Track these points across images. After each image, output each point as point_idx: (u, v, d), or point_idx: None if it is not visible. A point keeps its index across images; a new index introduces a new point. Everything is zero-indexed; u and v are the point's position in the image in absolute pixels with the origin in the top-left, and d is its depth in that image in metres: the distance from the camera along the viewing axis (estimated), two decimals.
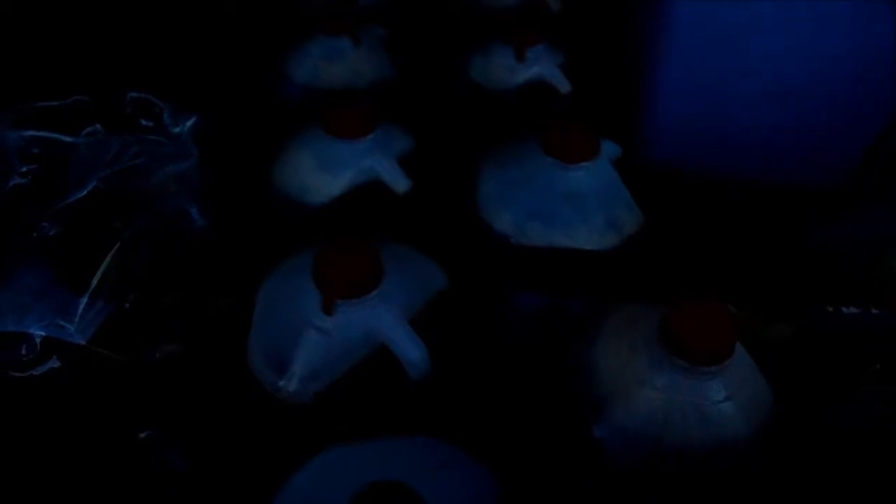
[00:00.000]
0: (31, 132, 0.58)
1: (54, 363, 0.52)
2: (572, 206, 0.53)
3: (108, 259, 0.54)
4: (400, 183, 0.55)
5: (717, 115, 0.66)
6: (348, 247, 0.45)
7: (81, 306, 0.53)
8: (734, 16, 0.61)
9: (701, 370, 0.41)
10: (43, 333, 0.52)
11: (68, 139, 0.58)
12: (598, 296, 0.53)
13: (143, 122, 0.62)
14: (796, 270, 0.55)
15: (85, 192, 0.54)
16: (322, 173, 0.56)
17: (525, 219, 0.54)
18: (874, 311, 0.50)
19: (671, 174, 0.67)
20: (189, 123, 0.58)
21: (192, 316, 0.54)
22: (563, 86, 0.67)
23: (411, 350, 0.44)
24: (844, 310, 0.50)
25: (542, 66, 0.67)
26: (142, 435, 0.50)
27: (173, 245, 0.56)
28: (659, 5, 0.64)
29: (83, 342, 0.53)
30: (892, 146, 0.65)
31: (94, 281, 0.54)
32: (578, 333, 0.48)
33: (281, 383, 0.45)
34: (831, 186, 0.66)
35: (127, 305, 0.54)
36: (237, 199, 0.59)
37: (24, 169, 0.56)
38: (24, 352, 0.52)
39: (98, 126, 0.60)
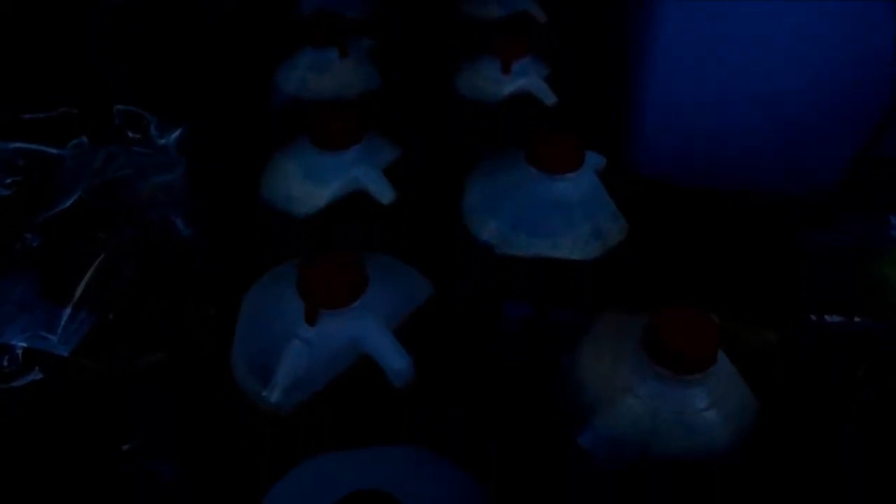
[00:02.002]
0: (16, 144, 0.58)
1: (36, 375, 0.52)
2: (557, 216, 0.54)
3: (91, 270, 0.54)
4: (385, 194, 0.55)
5: (703, 124, 0.66)
6: (332, 257, 0.45)
7: (64, 318, 0.53)
8: (720, 25, 0.61)
9: (684, 378, 0.41)
10: (25, 345, 0.52)
11: (54, 151, 0.58)
12: (583, 305, 0.53)
13: (131, 135, 0.62)
14: (782, 278, 0.55)
15: (70, 204, 0.53)
16: (308, 184, 0.56)
17: (510, 229, 0.54)
18: (857, 319, 0.50)
19: (657, 184, 0.67)
20: (175, 135, 0.58)
21: (177, 326, 0.54)
22: (549, 98, 0.67)
23: (395, 359, 0.44)
24: (828, 318, 0.50)
25: (527, 79, 0.68)
26: (125, 447, 0.50)
27: (158, 255, 0.56)
28: (645, 15, 0.64)
29: (66, 354, 0.52)
30: (878, 153, 0.65)
31: (78, 292, 0.53)
32: (563, 342, 0.48)
33: (264, 393, 0.44)
34: (818, 194, 0.66)
35: (111, 316, 0.53)
36: (224, 210, 0.59)
37: (9, 181, 0.56)
38: (5, 363, 0.51)
39: (84, 139, 0.60)
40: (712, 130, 0.67)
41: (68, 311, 0.53)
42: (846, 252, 0.54)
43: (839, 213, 0.61)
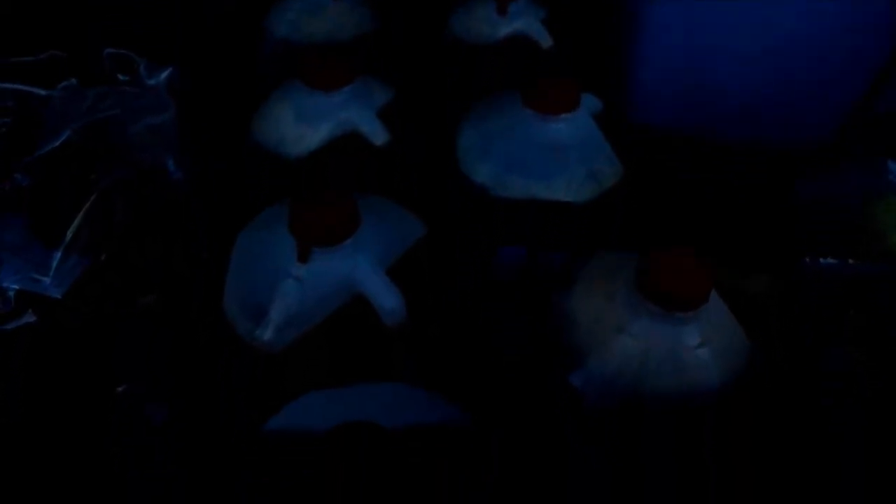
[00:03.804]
0: (4, 85, 0.57)
1: (29, 317, 0.52)
2: (552, 158, 0.53)
3: (83, 212, 0.53)
4: (378, 135, 0.55)
5: (700, 72, 0.65)
6: (324, 195, 0.45)
7: (56, 260, 0.53)
8: None
9: (676, 316, 0.41)
10: (17, 287, 0.52)
11: (43, 92, 0.57)
12: (577, 247, 0.53)
13: (120, 77, 0.61)
14: (776, 224, 0.55)
15: (58, 143, 0.53)
16: (300, 125, 0.55)
17: (504, 171, 0.53)
18: (850, 261, 0.50)
19: (653, 131, 0.66)
20: (164, 75, 0.57)
21: (168, 268, 0.54)
22: (545, 40, 0.66)
23: (387, 298, 0.44)
24: (822, 261, 0.50)
25: (523, 21, 0.66)
26: (119, 389, 0.50)
27: (149, 197, 0.55)
28: None
29: (59, 296, 0.52)
30: (875, 106, 0.64)
31: (70, 234, 0.53)
32: (557, 283, 0.48)
33: (257, 332, 0.44)
34: (815, 146, 0.66)
35: (103, 258, 0.53)
36: (215, 152, 0.58)
37: None
38: None
39: (74, 80, 0.59)
40: (709, 78, 0.66)
41: (60, 253, 0.53)
42: (843, 198, 0.53)
43: (835, 163, 0.60)
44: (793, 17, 0.62)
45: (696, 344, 0.41)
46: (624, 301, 0.43)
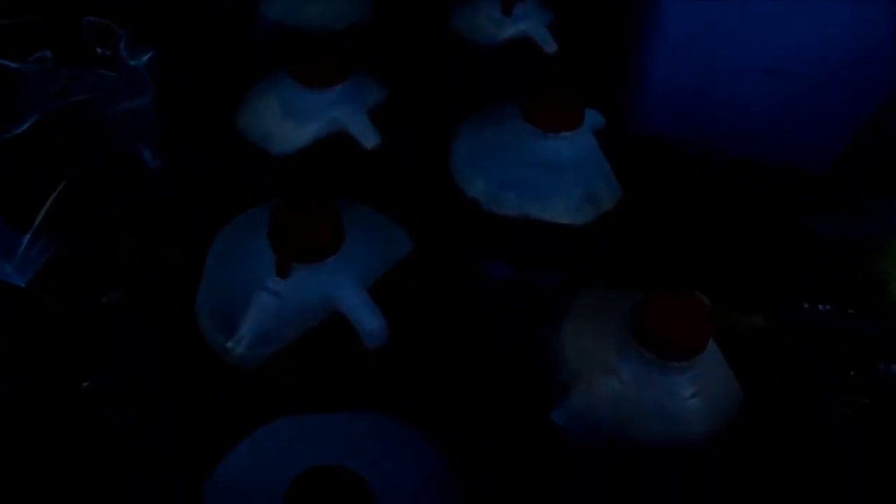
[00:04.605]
0: None
1: None
2: (549, 176, 0.51)
3: (52, 197, 0.50)
4: (369, 137, 0.52)
5: (707, 87, 0.64)
6: (307, 206, 0.42)
7: (23, 245, 0.50)
8: None
9: (670, 364, 0.39)
10: None
11: (14, 65, 0.54)
12: (569, 272, 0.51)
13: (99, 51, 0.58)
14: (778, 260, 0.53)
15: (27, 126, 0.50)
16: (287, 121, 0.52)
17: (499, 186, 0.51)
18: (850, 311, 0.48)
19: (656, 144, 0.64)
20: (146, 57, 0.54)
21: (140, 262, 0.51)
22: (550, 45, 0.64)
23: (368, 319, 0.42)
24: (821, 307, 0.48)
25: (528, 23, 0.64)
26: (84, 384, 0.48)
27: (124, 186, 0.52)
28: None
29: (22, 284, 0.50)
30: (880, 131, 0.63)
31: (38, 219, 0.50)
32: (547, 311, 0.46)
33: (228, 345, 0.42)
34: (819, 168, 0.64)
35: (71, 248, 0.50)
36: (196, 142, 0.56)
37: None
38: None
39: (48, 52, 0.56)
40: (716, 92, 0.65)
41: (27, 238, 0.50)
42: (847, 240, 0.52)
43: (841, 193, 0.59)
44: (804, 34, 0.60)
45: (689, 394, 0.39)
46: (616, 343, 0.41)
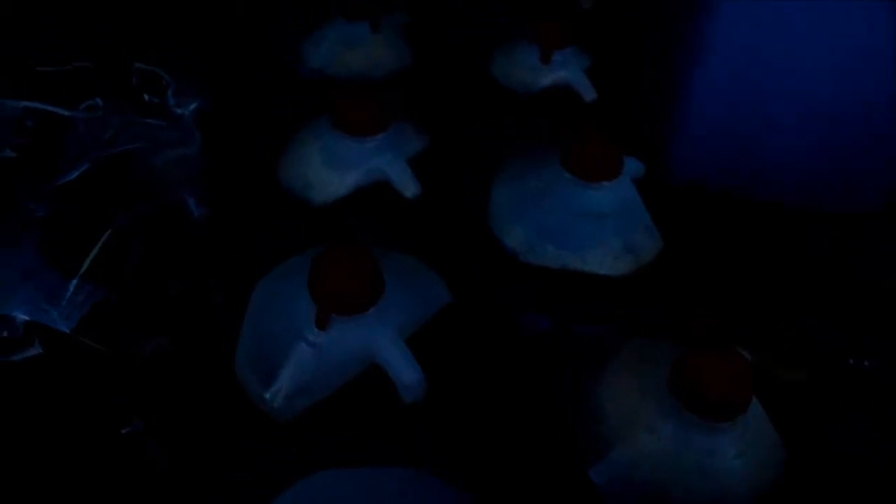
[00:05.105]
0: (27, 103, 0.56)
1: (36, 349, 0.50)
2: (589, 226, 0.51)
3: (98, 246, 0.51)
4: (409, 187, 0.53)
5: (748, 132, 0.63)
6: (347, 258, 0.42)
7: (69, 292, 0.51)
8: (774, 30, 0.58)
9: (712, 425, 0.38)
10: (26, 317, 0.50)
11: (66, 113, 0.56)
12: (609, 324, 0.51)
13: (147, 98, 0.59)
14: (822, 311, 0.52)
15: (77, 174, 0.51)
16: (328, 170, 0.53)
17: (537, 236, 0.51)
18: None
19: (696, 190, 0.64)
20: (193, 107, 0.55)
21: (185, 310, 0.52)
22: (589, 93, 0.64)
23: (406, 373, 0.42)
24: (867, 363, 0.47)
25: (567, 71, 0.64)
26: (124, 430, 0.48)
27: (169, 234, 0.53)
28: (697, 14, 0.60)
29: (67, 329, 0.51)
30: None
31: (84, 266, 0.51)
32: (585, 364, 0.45)
33: (267, 396, 0.42)
34: (869, 210, 0.63)
35: (116, 295, 0.51)
36: (239, 190, 0.56)
37: (17, 142, 0.53)
38: (5, 334, 0.49)
39: (98, 100, 0.57)
40: (757, 137, 0.63)
41: (73, 285, 0.51)
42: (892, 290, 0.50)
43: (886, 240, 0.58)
44: (847, 80, 0.59)
45: (732, 455, 0.39)
46: (656, 400, 0.40)
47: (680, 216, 0.56)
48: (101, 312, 0.51)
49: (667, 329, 0.48)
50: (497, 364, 0.49)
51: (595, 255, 0.50)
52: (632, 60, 0.70)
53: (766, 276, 0.55)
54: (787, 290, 0.54)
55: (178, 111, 0.56)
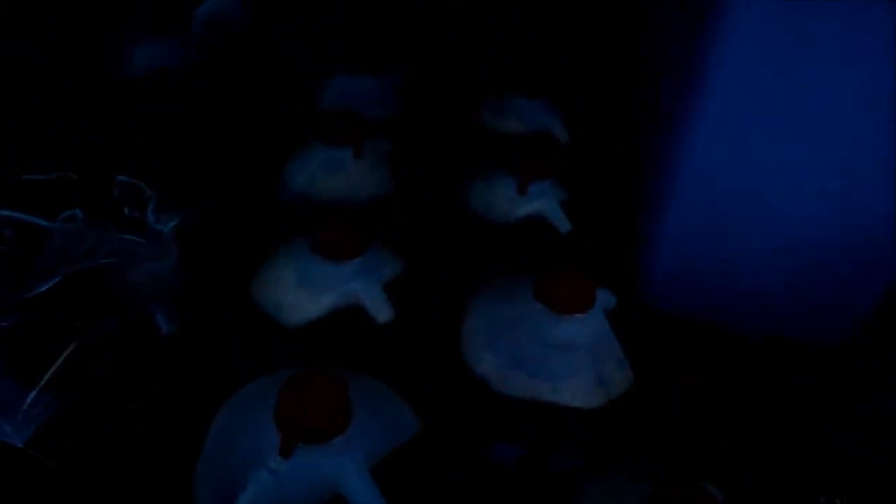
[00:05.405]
0: (6, 212, 0.56)
1: None
2: (560, 357, 0.51)
3: (62, 358, 0.50)
4: (382, 313, 0.53)
5: (721, 262, 0.64)
6: (314, 385, 0.42)
7: (26, 404, 0.50)
8: (747, 161, 0.59)
9: None
10: None
11: (44, 223, 0.56)
12: (581, 455, 0.50)
13: (128, 211, 0.60)
14: (801, 454, 0.51)
15: (48, 286, 0.50)
16: (302, 292, 0.53)
17: (508, 366, 0.51)
18: None
19: (670, 320, 0.64)
20: (172, 224, 0.56)
21: (144, 429, 0.50)
22: (563, 225, 0.65)
23: None
24: (838, 501, 0.46)
25: (543, 202, 0.66)
26: None
27: (136, 349, 0.52)
28: (668, 143, 0.63)
29: (20, 444, 0.49)
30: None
31: (45, 379, 0.50)
32: (556, 497, 0.44)
33: None
34: (839, 342, 0.63)
35: (74, 409, 0.50)
36: (212, 308, 0.56)
37: None
38: None
39: (77, 211, 0.58)
40: (731, 270, 0.64)
41: (31, 396, 0.50)
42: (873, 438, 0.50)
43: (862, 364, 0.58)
44: (814, 215, 0.60)
45: None
46: None
47: (654, 347, 0.57)
48: (58, 426, 0.49)
49: (639, 463, 0.47)
50: (466, 495, 0.48)
51: (567, 386, 0.50)
52: (606, 194, 0.72)
53: (739, 410, 0.55)
54: (759, 426, 0.54)
55: (158, 227, 0.56)
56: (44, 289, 0.51)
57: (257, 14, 0.90)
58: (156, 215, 0.58)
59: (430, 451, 0.47)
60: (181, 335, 0.53)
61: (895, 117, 0.53)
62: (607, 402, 0.51)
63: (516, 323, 0.52)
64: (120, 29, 0.79)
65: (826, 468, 0.49)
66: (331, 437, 0.41)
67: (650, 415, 0.52)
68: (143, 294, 0.53)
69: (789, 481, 0.49)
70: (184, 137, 0.73)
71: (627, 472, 0.46)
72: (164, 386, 0.51)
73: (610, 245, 0.69)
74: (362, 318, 0.53)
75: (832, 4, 0.50)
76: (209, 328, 0.54)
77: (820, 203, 0.59)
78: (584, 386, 0.50)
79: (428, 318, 0.56)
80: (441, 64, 0.91)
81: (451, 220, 0.67)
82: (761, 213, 0.61)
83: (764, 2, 0.51)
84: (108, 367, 0.51)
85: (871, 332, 0.62)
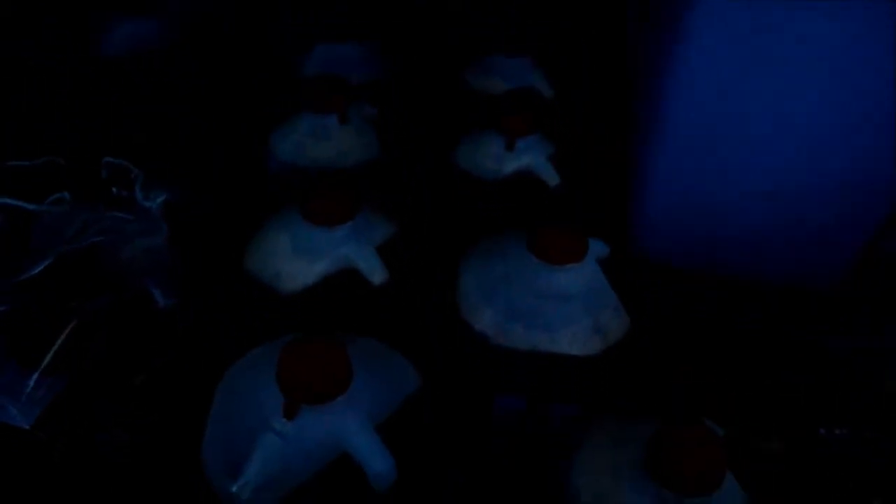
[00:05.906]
0: None
1: None
2: (557, 308, 0.51)
3: (62, 337, 0.51)
4: (377, 274, 0.53)
5: (710, 208, 0.65)
6: (315, 347, 0.42)
7: (29, 386, 0.50)
8: (732, 106, 0.59)
9: (688, 501, 0.38)
10: None
11: (32, 207, 0.56)
12: (581, 403, 0.51)
13: (115, 191, 0.60)
14: (791, 383, 0.52)
15: (41, 268, 0.50)
16: (296, 260, 0.53)
17: (506, 319, 0.51)
18: (868, 434, 0.47)
19: (662, 268, 0.65)
20: (160, 200, 0.56)
21: (150, 401, 0.51)
22: (552, 179, 0.65)
23: (377, 461, 0.41)
24: (837, 432, 0.47)
25: (531, 157, 0.66)
26: None
27: (135, 325, 0.53)
28: (654, 93, 0.63)
29: (26, 426, 0.49)
30: (888, 246, 0.63)
31: (46, 360, 0.50)
32: (559, 444, 0.45)
33: (234, 489, 0.41)
34: (828, 286, 0.64)
35: (75, 389, 0.50)
36: (206, 281, 0.56)
37: None
38: None
39: (66, 194, 0.58)
40: (719, 216, 0.65)
41: (34, 378, 0.50)
42: (861, 360, 0.51)
43: (852, 313, 0.58)
44: (803, 158, 0.61)
45: None
46: (631, 480, 0.40)
47: (648, 295, 0.57)
48: (62, 407, 0.50)
49: (638, 406, 0.48)
50: (470, 447, 0.48)
51: (564, 336, 0.50)
52: (595, 145, 0.72)
53: (734, 349, 0.56)
54: (757, 361, 0.54)
55: (146, 204, 0.56)
56: (36, 271, 0.51)
57: None
58: (144, 192, 0.58)
59: (432, 408, 0.48)
60: (179, 308, 0.53)
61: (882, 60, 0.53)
62: (605, 348, 0.51)
63: (511, 277, 0.52)
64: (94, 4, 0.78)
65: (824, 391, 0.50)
66: (333, 396, 0.41)
67: (648, 358, 0.53)
68: (136, 271, 0.53)
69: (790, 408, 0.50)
70: (169, 116, 0.73)
71: (627, 414, 0.46)
72: (165, 360, 0.52)
73: (599, 197, 0.69)
74: (358, 282, 0.53)
75: None
76: (206, 301, 0.54)
77: (806, 145, 0.59)
78: (581, 334, 0.51)
79: (423, 277, 0.56)
80: (424, 28, 0.90)
81: (440, 180, 0.67)
82: (748, 157, 0.61)
83: None
84: (108, 344, 0.51)
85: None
